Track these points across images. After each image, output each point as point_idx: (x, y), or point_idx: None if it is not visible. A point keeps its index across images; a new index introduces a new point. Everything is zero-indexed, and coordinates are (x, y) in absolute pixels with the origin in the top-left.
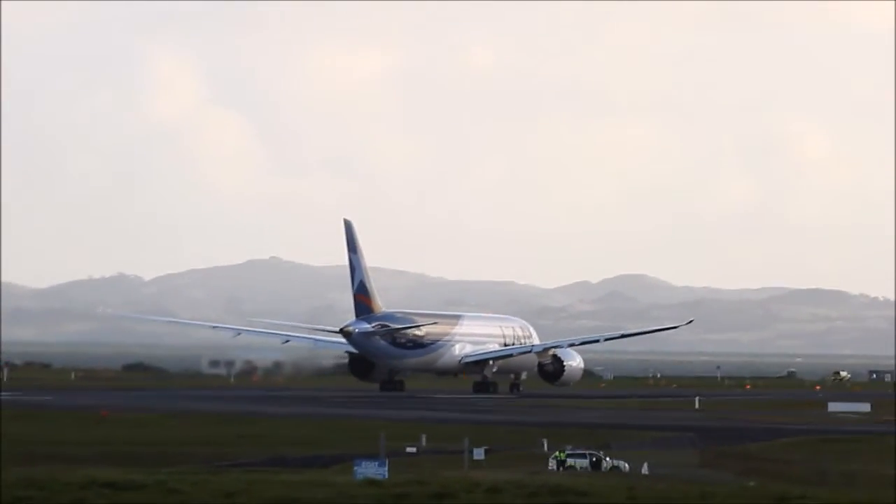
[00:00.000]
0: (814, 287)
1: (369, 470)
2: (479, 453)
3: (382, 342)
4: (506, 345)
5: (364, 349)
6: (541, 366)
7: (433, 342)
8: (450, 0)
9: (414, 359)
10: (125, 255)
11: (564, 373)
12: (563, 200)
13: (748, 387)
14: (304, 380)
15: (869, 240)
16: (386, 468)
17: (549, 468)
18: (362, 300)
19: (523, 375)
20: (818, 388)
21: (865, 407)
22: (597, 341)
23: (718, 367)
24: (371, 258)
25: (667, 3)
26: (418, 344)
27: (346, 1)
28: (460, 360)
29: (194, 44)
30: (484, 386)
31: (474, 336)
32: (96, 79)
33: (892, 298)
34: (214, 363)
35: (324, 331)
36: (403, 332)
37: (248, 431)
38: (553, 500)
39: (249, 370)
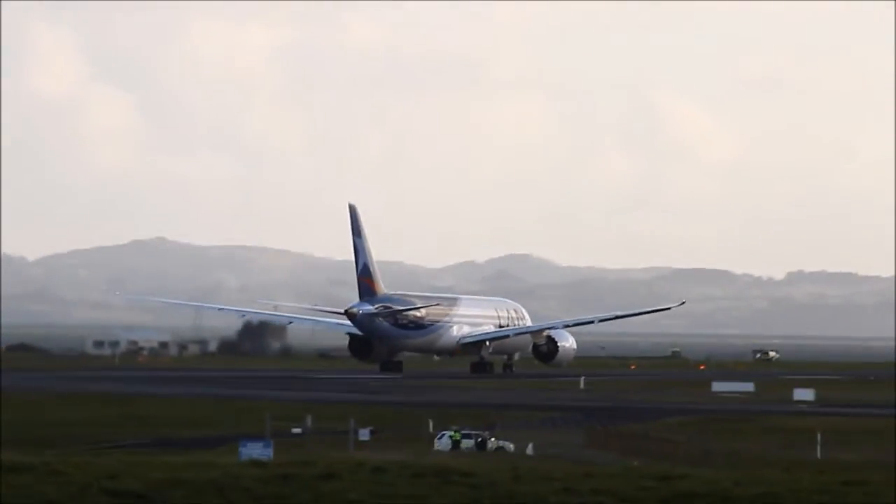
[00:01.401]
0: (698, 267)
1: (254, 451)
2: (364, 434)
3: (385, 323)
4: (500, 326)
5: (367, 330)
6: (535, 347)
7: (433, 323)
8: None
9: (415, 339)
10: (8, 235)
11: (558, 353)
12: (447, 179)
13: (633, 367)
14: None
15: (752, 219)
16: (271, 449)
17: (436, 448)
18: (366, 283)
19: (516, 356)
20: (702, 367)
21: (749, 387)
22: (591, 322)
23: (603, 347)
24: (254, 238)
25: None
26: (419, 325)
27: None
28: (458, 341)
29: (74, 18)
30: (481, 366)
31: (471, 318)
32: None
33: (775, 278)
34: (98, 344)
35: (326, 312)
36: (405, 313)
37: (132, 412)
38: (437, 480)
39: (134, 350)
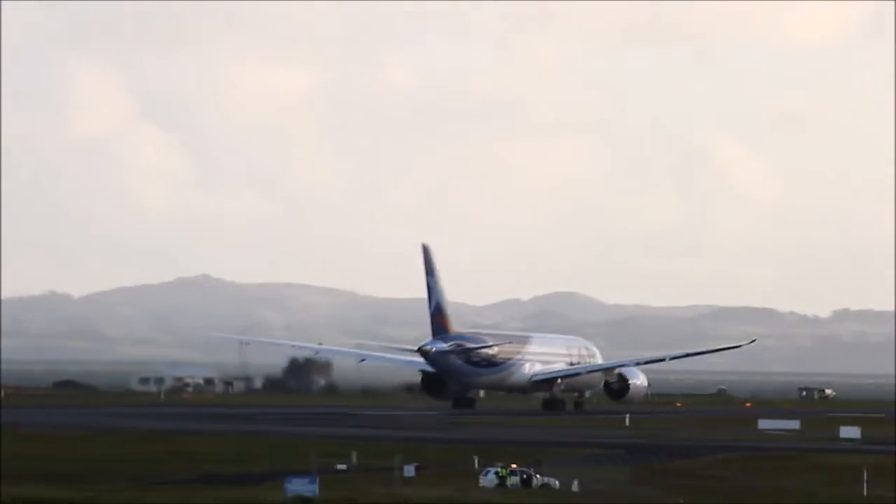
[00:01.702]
0: (743, 304)
1: (300, 487)
2: (409, 470)
3: (458, 360)
4: (571, 364)
5: (440, 367)
6: (607, 384)
7: (505, 361)
8: (370, 18)
9: (487, 377)
10: (54, 273)
11: (629, 391)
12: (492, 220)
13: (679, 404)
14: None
15: (797, 257)
16: (316, 485)
17: (481, 485)
18: (439, 321)
19: (587, 394)
20: (748, 404)
21: (795, 424)
22: (662, 360)
23: (649, 385)
24: (300, 276)
25: (583, 18)
26: (491, 363)
27: (269, 19)
28: (530, 379)
29: (118, 59)
30: (553, 403)
31: (543, 355)
32: (17, 92)
33: (821, 316)
34: (144, 380)
35: (398, 349)
36: (478, 351)
37: (178, 448)
38: None
39: (179, 387)
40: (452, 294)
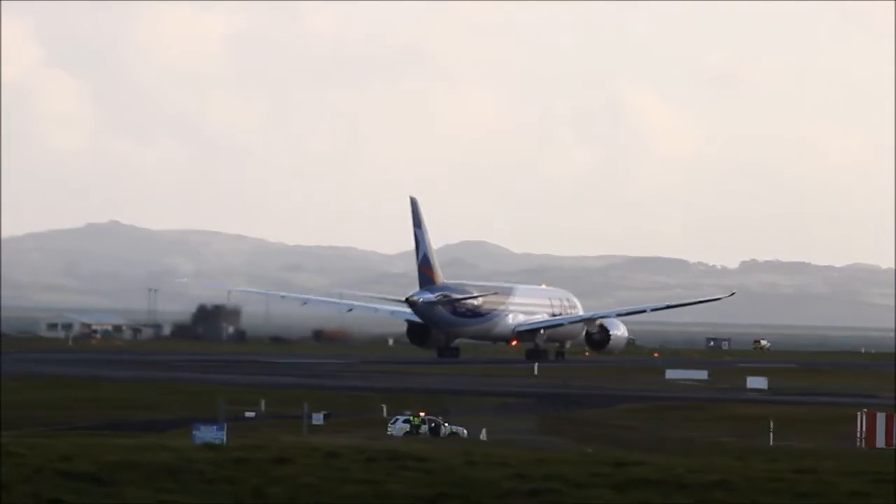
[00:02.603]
0: (653, 255)
1: (208, 434)
2: (318, 418)
3: (444, 311)
4: (553, 315)
5: (427, 317)
6: (589, 335)
7: (489, 311)
8: None
9: (472, 327)
10: None
11: (610, 341)
12: (402, 166)
13: (587, 354)
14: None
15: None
16: (224, 432)
17: (389, 433)
18: (426, 272)
19: (568, 344)
20: (656, 355)
21: (703, 374)
22: (643, 311)
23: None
24: (211, 223)
25: None
26: (476, 313)
27: None
28: (514, 329)
29: (30, 5)
30: (536, 353)
31: (526, 306)
32: None
33: (729, 267)
34: (52, 326)
35: (386, 300)
36: (463, 301)
37: (85, 395)
38: (391, 464)
39: (87, 333)
40: (364, 243)
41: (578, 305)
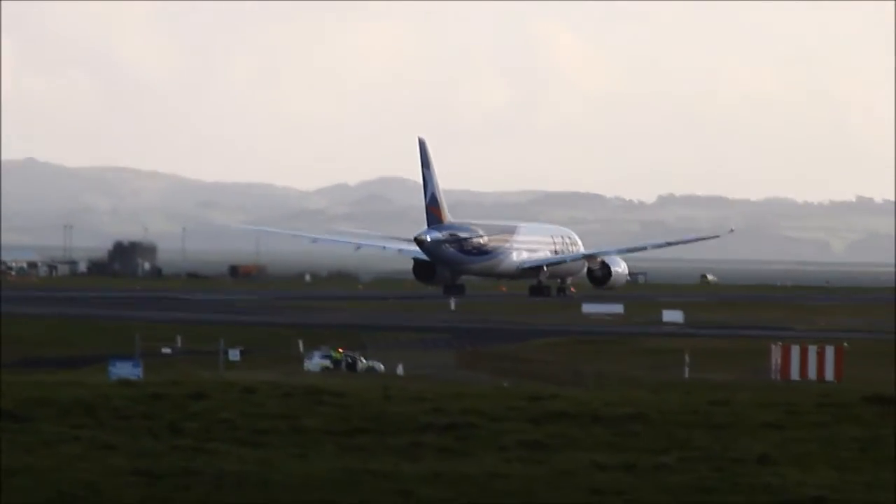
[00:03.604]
0: (571, 190)
1: (123, 370)
2: (234, 354)
3: (451, 249)
4: (556, 252)
5: (434, 255)
6: (590, 271)
7: (495, 249)
8: None
9: (478, 264)
10: None
11: (611, 277)
12: (319, 102)
13: (504, 289)
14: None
15: (623, 145)
16: (140, 369)
17: (306, 369)
18: (433, 211)
19: (569, 280)
20: (573, 289)
21: (619, 308)
22: (644, 249)
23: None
24: (125, 159)
25: None
26: (482, 251)
27: None
28: (518, 266)
29: None
30: (539, 290)
31: (529, 244)
32: None
33: (646, 201)
34: None
35: (397, 239)
36: (471, 240)
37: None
38: (308, 399)
39: (2, 270)
40: (280, 178)
41: (579, 243)
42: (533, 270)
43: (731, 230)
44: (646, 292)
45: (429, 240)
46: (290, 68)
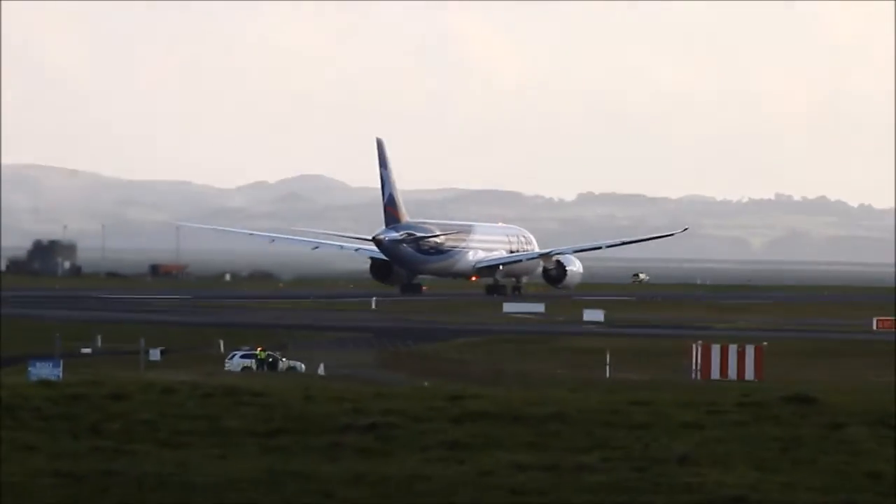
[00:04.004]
0: (489, 188)
1: (43, 370)
2: (155, 354)
3: (409, 249)
4: (511, 251)
5: (392, 255)
6: (545, 270)
7: (451, 249)
8: None
9: (435, 264)
10: None
11: (566, 277)
12: (240, 100)
13: (425, 288)
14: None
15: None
16: (60, 369)
17: (227, 368)
18: (391, 212)
19: (524, 279)
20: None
21: (540, 307)
22: (599, 248)
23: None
24: (42, 157)
25: None
26: (439, 251)
27: None
28: (474, 266)
29: None
30: (496, 288)
31: (485, 243)
32: None
33: (566, 199)
34: None
35: (354, 238)
36: (427, 240)
37: None
38: (228, 400)
39: None
40: (198, 176)
41: (534, 242)
42: (489, 269)
43: (685, 229)
44: (567, 291)
45: (387, 240)
46: (210, 66)
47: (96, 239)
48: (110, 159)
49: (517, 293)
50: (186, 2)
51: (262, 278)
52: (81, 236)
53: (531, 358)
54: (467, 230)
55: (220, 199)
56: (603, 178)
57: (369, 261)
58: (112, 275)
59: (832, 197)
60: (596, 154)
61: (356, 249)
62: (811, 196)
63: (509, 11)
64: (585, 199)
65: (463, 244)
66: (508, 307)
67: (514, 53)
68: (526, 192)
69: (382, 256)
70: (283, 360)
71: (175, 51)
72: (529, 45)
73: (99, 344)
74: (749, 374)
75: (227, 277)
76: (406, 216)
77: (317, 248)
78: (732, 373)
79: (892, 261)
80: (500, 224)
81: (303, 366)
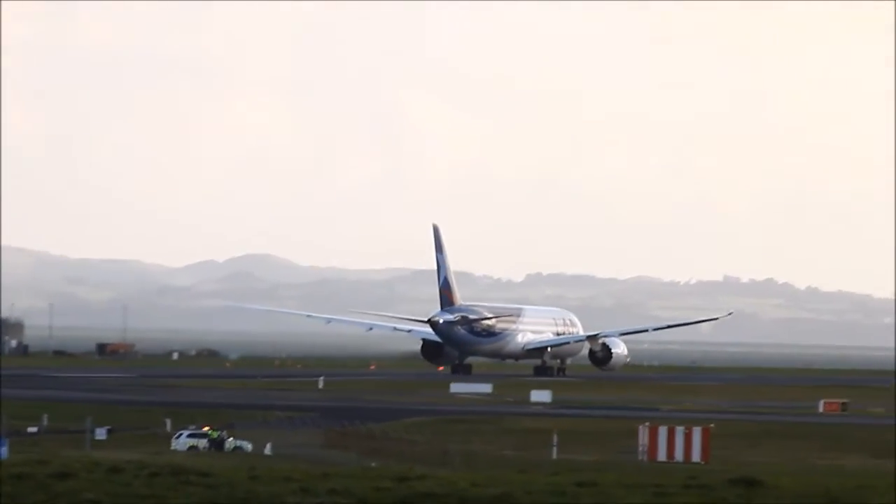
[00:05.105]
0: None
1: None
2: (101, 433)
3: (462, 330)
4: (558, 334)
5: (446, 336)
6: (592, 352)
7: (502, 331)
8: None
9: (487, 345)
10: None
11: (612, 359)
12: (186, 179)
13: (373, 367)
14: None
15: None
16: (6, 448)
17: (173, 448)
18: (446, 294)
19: (568, 360)
20: (441, 368)
21: (487, 388)
22: (645, 331)
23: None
24: None
25: None
26: (491, 333)
27: None
28: (523, 347)
29: None
30: (543, 370)
31: (533, 325)
32: None
33: (514, 279)
34: None
35: (408, 320)
36: (480, 322)
37: None
38: (174, 479)
39: None
40: (147, 255)
41: (578, 325)
42: (537, 351)
43: (730, 313)
44: (515, 371)
45: (442, 322)
46: (157, 143)
47: (44, 317)
48: (58, 237)
49: (561, 374)
50: (132, 73)
51: (208, 357)
52: (29, 314)
53: (478, 438)
54: (517, 313)
55: (168, 277)
56: (550, 260)
57: (421, 342)
58: (59, 353)
59: (780, 279)
60: (543, 235)
61: (408, 331)
62: (759, 278)
63: (455, 89)
64: (534, 279)
65: (513, 326)
66: (456, 387)
67: (460, 132)
68: (475, 272)
69: (434, 338)
70: (230, 439)
71: (123, 126)
72: (476, 123)
73: (45, 423)
74: (696, 455)
75: (175, 356)
76: (459, 299)
77: (371, 329)
78: (679, 454)
79: (838, 343)
80: (548, 307)
81: (250, 445)
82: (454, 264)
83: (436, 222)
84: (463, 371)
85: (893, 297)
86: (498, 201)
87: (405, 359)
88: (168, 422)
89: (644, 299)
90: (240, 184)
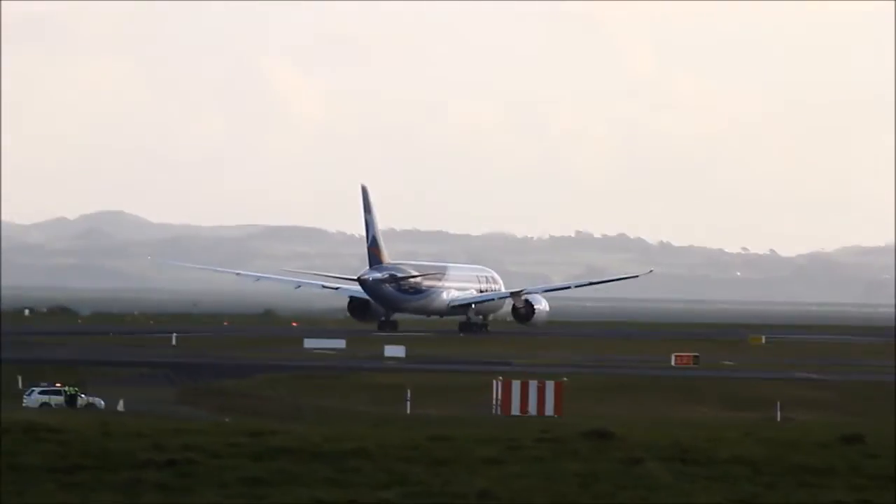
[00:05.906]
0: (291, 224)
1: None
2: None
3: (389, 288)
4: (480, 290)
5: (374, 294)
6: (515, 309)
7: (428, 289)
8: None
9: (413, 303)
10: None
11: (535, 315)
12: (38, 133)
13: (227, 323)
14: None
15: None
16: None
17: (25, 405)
18: (374, 253)
19: (490, 317)
20: (295, 324)
21: (341, 343)
22: (567, 288)
23: (195, 304)
24: None
25: None
26: (417, 290)
27: None
28: (448, 304)
29: None
30: (468, 326)
31: (458, 283)
32: None
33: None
34: None
35: (335, 278)
36: (407, 280)
37: None
38: (26, 437)
39: None
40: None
41: (500, 282)
42: (462, 308)
43: (651, 271)
44: (370, 328)
45: (371, 279)
46: (8, 98)
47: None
48: None
49: (484, 330)
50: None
51: (61, 313)
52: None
53: (332, 394)
54: (442, 271)
55: (19, 234)
56: (404, 215)
57: (348, 299)
58: None
59: (632, 235)
60: (397, 190)
61: (336, 288)
62: (611, 233)
63: (308, 48)
64: (387, 235)
65: (439, 284)
66: (309, 343)
67: (312, 88)
68: (329, 228)
69: (361, 295)
70: (82, 396)
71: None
72: (327, 79)
73: None
74: (549, 409)
75: (27, 312)
76: (388, 258)
77: (299, 287)
78: (533, 408)
79: (688, 297)
80: (471, 265)
81: (102, 402)
82: (302, 220)
83: (364, 183)
84: (390, 328)
85: (741, 252)
86: (346, 157)
87: (331, 316)
88: (20, 378)
89: (498, 255)
90: (91, 139)
